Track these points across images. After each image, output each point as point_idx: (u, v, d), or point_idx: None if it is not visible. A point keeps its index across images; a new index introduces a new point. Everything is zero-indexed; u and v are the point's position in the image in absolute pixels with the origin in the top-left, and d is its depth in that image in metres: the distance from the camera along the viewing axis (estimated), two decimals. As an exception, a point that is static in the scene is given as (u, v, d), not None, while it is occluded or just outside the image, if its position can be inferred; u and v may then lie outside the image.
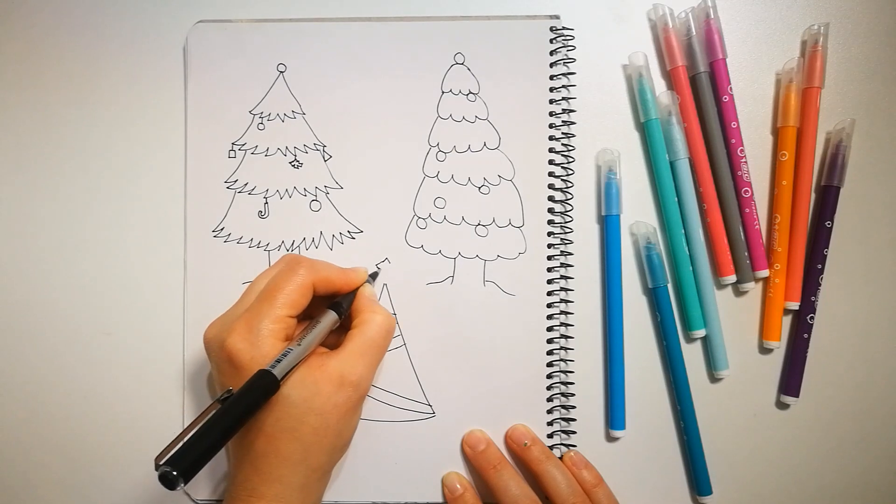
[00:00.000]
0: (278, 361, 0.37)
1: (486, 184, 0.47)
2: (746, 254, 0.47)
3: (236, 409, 0.35)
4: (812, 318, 0.47)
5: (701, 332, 0.47)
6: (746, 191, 0.47)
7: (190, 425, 0.35)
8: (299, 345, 0.38)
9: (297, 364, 0.38)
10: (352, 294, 0.43)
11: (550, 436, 0.46)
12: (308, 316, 0.41)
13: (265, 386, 0.36)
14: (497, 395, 0.46)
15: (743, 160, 0.46)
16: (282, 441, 0.37)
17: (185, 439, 0.33)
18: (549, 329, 0.47)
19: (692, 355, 0.47)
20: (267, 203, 0.47)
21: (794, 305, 0.47)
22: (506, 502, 0.43)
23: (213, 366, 0.40)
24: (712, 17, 0.46)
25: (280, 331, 0.39)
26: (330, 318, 0.41)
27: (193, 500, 0.46)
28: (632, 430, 0.47)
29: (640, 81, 0.47)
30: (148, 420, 0.47)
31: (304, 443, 0.37)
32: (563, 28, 0.47)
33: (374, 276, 0.46)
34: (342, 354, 0.39)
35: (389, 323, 0.42)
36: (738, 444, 0.47)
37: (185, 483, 0.31)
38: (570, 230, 0.47)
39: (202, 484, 0.46)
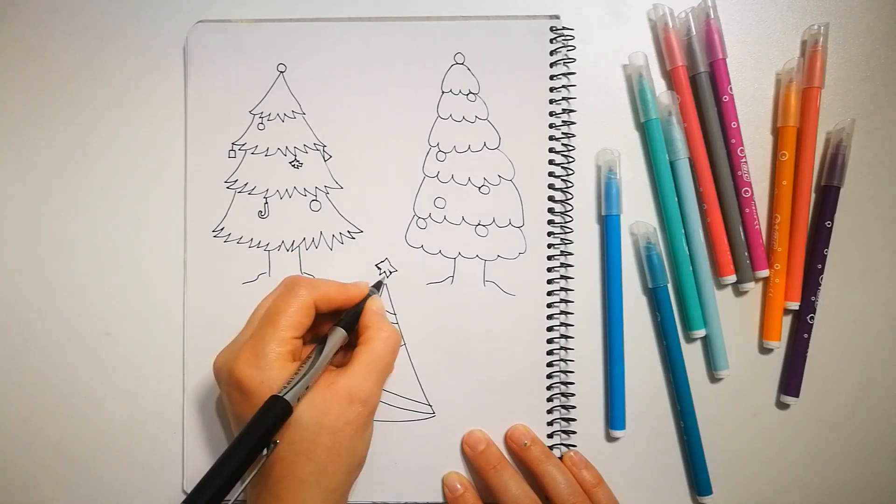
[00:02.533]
0: (289, 385, 0.36)
1: (486, 184, 0.47)
2: (746, 254, 0.47)
3: (251, 438, 0.34)
4: (812, 318, 0.47)
5: (701, 332, 0.47)
6: (746, 191, 0.47)
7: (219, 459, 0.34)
8: (310, 367, 0.38)
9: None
10: (358, 308, 0.43)
11: (550, 436, 0.46)
12: (315, 332, 0.41)
13: (278, 412, 0.36)
14: (497, 395, 0.46)
15: (743, 160, 0.46)
16: (297, 464, 0.37)
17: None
18: (549, 329, 0.47)
19: (692, 355, 0.47)
20: (267, 203, 0.47)
21: (794, 305, 0.47)
22: (506, 502, 0.43)
23: (224, 394, 0.40)
24: (712, 17, 0.46)
25: (287, 353, 0.39)
26: (338, 336, 0.41)
27: None
28: (632, 430, 0.47)
29: (640, 81, 0.47)
30: (148, 420, 0.47)
31: (320, 464, 0.37)
32: (563, 28, 0.47)
33: (378, 285, 0.46)
34: (350, 372, 0.39)
35: (395, 338, 0.42)
36: (738, 444, 0.47)
37: None
38: (570, 230, 0.47)
39: None
